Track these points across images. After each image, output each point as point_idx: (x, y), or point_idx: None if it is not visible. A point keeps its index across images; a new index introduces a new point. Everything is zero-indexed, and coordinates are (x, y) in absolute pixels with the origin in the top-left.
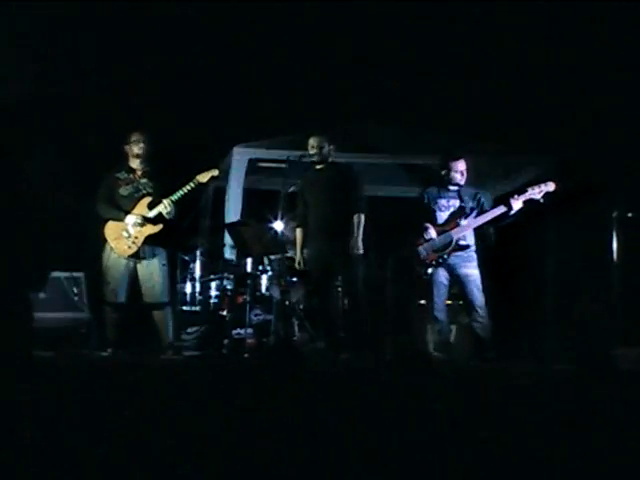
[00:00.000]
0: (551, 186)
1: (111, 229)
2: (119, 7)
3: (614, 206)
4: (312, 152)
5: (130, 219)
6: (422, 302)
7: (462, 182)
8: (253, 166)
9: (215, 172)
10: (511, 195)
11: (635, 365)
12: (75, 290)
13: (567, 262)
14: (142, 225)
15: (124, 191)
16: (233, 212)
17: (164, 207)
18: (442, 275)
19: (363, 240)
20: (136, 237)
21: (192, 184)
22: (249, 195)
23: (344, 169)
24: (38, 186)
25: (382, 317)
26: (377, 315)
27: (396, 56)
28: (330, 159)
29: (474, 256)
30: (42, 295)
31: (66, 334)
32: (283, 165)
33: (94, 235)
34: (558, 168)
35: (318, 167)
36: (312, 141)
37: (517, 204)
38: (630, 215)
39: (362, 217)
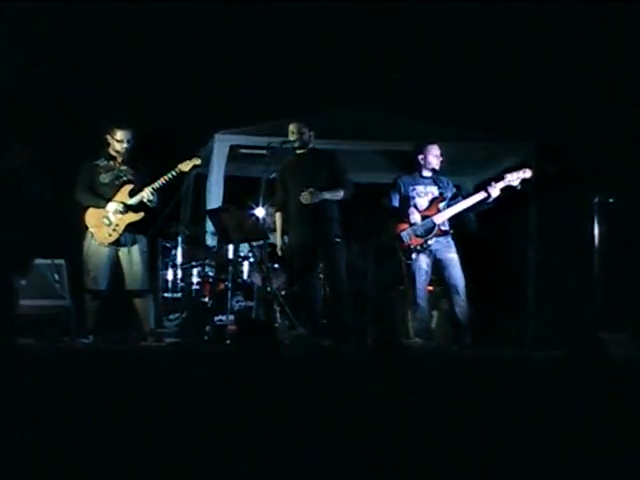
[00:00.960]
0: (528, 173)
1: (92, 216)
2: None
3: (595, 192)
4: (292, 138)
5: (111, 206)
6: (402, 288)
7: (437, 167)
8: (234, 153)
9: (197, 161)
10: (489, 182)
11: (618, 350)
12: (56, 277)
13: (548, 247)
14: (123, 213)
15: (104, 178)
16: (214, 199)
17: (146, 195)
18: (424, 261)
19: (342, 225)
20: (117, 225)
21: (174, 172)
22: (230, 182)
23: (325, 154)
24: (18, 172)
25: (363, 303)
26: (358, 301)
27: (375, 41)
28: (310, 145)
29: (452, 242)
30: (23, 282)
31: (47, 321)
32: (264, 152)
33: (75, 222)
34: (538, 154)
35: (299, 152)
36: (292, 127)
37: (495, 191)
38: (611, 201)
39: (341, 193)
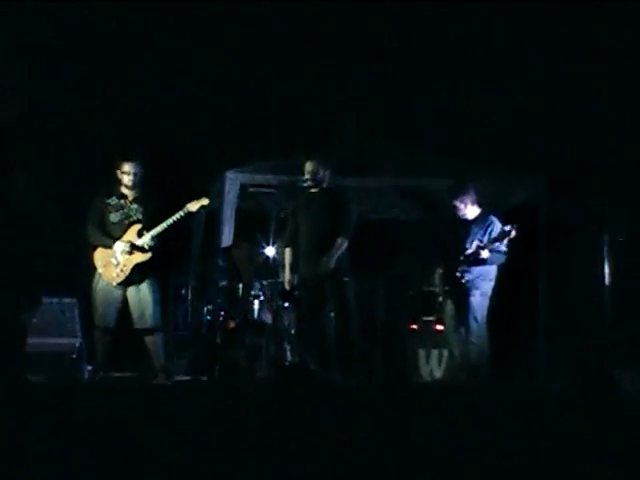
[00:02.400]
0: (512, 233)
1: (100, 255)
2: (112, 31)
3: (606, 228)
4: (306, 177)
5: (119, 246)
6: (413, 326)
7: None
8: (245, 191)
9: (205, 201)
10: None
11: (630, 387)
12: (67, 315)
13: (560, 284)
14: (130, 253)
15: (114, 217)
16: (225, 236)
17: (147, 241)
18: None
19: (353, 262)
20: (124, 265)
21: (182, 213)
22: (241, 219)
23: (338, 195)
24: (29, 206)
25: (374, 340)
26: (369, 337)
27: (392, 80)
28: (325, 184)
29: None
30: (34, 320)
31: (57, 359)
32: (275, 190)
33: (86, 260)
34: (548, 189)
35: (312, 191)
36: (308, 165)
37: (485, 253)
38: (621, 239)
39: (345, 243)
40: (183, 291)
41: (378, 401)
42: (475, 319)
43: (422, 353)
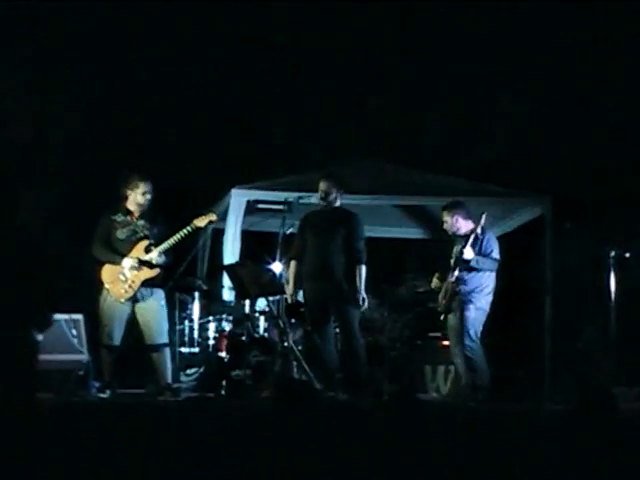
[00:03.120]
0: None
1: (107, 272)
2: (117, 48)
3: (612, 246)
4: (320, 195)
5: (127, 262)
6: (419, 342)
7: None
8: (251, 207)
9: (213, 217)
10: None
11: (632, 404)
12: (74, 332)
13: (565, 301)
14: (138, 269)
15: (121, 234)
16: (231, 253)
17: (155, 256)
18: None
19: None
20: (132, 281)
21: (189, 228)
22: (247, 236)
23: (347, 217)
24: (36, 224)
25: (380, 357)
26: (375, 355)
27: (398, 99)
28: (337, 204)
29: None
30: (40, 337)
31: (65, 376)
32: (281, 207)
33: (92, 276)
34: (554, 208)
35: (321, 209)
36: (322, 185)
37: (469, 253)
38: (627, 255)
39: (364, 268)
40: (189, 307)
41: (383, 419)
42: (469, 334)
43: (428, 369)
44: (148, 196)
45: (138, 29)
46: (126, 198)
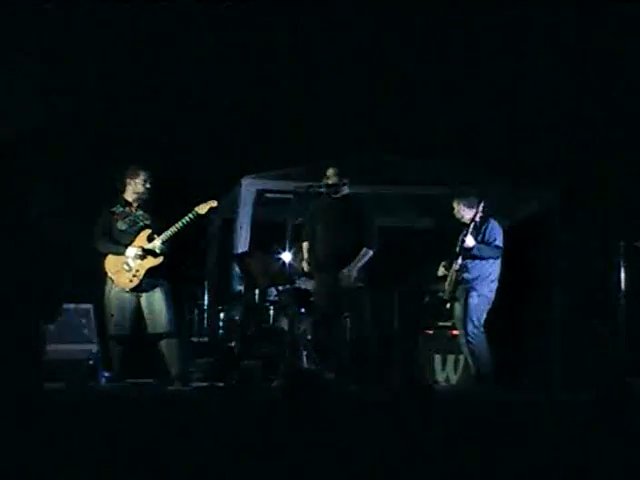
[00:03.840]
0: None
1: (111, 263)
2: (121, 39)
3: (621, 236)
4: (330, 181)
5: (130, 252)
6: (428, 332)
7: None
8: (261, 197)
9: (214, 203)
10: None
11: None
12: (83, 322)
13: (574, 291)
14: (143, 258)
15: (122, 225)
16: (241, 243)
17: (158, 245)
18: None
19: (370, 271)
20: (137, 270)
21: (191, 216)
22: (257, 226)
23: (357, 203)
24: (46, 218)
25: (390, 348)
26: (385, 346)
27: (407, 87)
28: (344, 192)
29: None
30: (51, 327)
31: (75, 366)
32: (291, 196)
33: (99, 267)
34: (563, 199)
35: (330, 198)
36: (329, 173)
37: (470, 241)
38: (637, 244)
39: (369, 253)
40: (199, 297)
41: (393, 408)
42: (472, 320)
43: (438, 359)
44: (148, 185)
45: (142, 27)
46: (124, 189)
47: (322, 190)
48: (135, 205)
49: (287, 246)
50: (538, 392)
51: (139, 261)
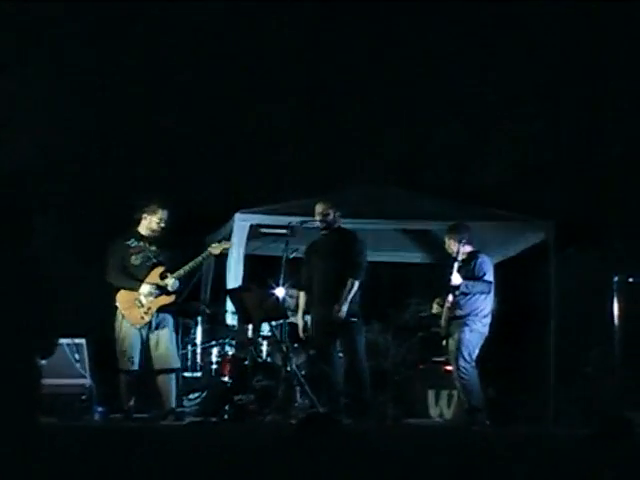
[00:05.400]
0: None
1: (124, 297)
2: (122, 73)
3: (615, 270)
4: (317, 218)
5: (145, 289)
6: (422, 367)
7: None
8: (255, 232)
9: (228, 245)
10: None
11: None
12: (77, 357)
13: (569, 325)
14: (156, 296)
15: (136, 260)
16: (234, 278)
17: (171, 283)
18: None
19: (362, 306)
20: (149, 307)
21: (204, 255)
22: (250, 261)
23: (347, 236)
24: (43, 252)
25: (384, 381)
26: (379, 379)
27: (397, 121)
28: (336, 225)
29: None
30: (44, 362)
31: (69, 401)
32: (285, 231)
33: (97, 301)
34: (558, 233)
35: (323, 233)
36: (318, 207)
37: (456, 279)
38: (631, 280)
39: (355, 283)
40: (192, 331)
41: (386, 443)
42: (463, 356)
43: (431, 394)
44: (163, 224)
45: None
46: (138, 223)
47: (316, 225)
48: (149, 240)
49: (281, 281)
50: (533, 426)
51: (151, 298)
